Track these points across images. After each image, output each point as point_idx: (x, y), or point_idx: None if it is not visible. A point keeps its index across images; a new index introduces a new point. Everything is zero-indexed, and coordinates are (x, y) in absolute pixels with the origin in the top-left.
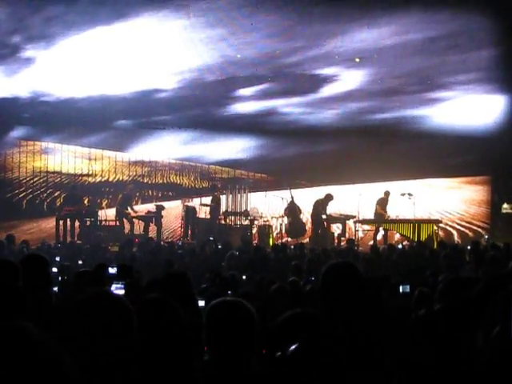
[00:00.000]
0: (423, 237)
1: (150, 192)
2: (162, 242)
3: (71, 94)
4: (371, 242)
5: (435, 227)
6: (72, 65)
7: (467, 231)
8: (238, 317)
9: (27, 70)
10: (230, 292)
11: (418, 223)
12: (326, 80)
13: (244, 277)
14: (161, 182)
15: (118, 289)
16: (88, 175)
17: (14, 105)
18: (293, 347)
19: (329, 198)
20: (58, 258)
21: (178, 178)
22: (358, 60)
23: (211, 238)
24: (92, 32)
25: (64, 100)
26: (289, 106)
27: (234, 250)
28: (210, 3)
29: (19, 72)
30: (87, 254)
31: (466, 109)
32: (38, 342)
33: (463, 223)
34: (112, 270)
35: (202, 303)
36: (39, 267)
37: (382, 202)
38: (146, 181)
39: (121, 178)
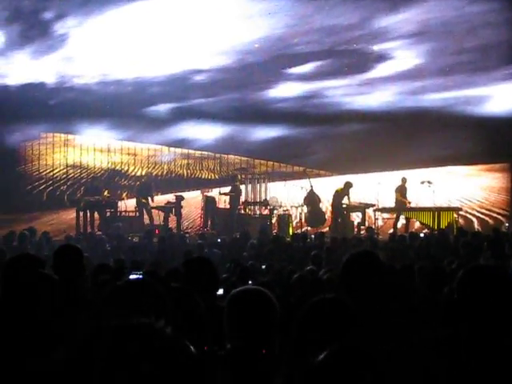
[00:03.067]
0: (443, 225)
1: (170, 183)
2: (182, 233)
3: (100, 78)
4: (391, 231)
5: (455, 215)
6: (104, 44)
7: (487, 219)
8: (259, 305)
9: (57, 52)
10: (250, 282)
11: (437, 211)
12: (378, 59)
13: (264, 266)
14: (180, 172)
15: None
16: (108, 167)
17: (40, 90)
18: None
19: (348, 185)
20: None
21: (197, 168)
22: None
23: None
24: (127, 8)
25: (92, 85)
26: (332, 89)
27: (253, 239)
28: None
29: (48, 54)
30: (109, 245)
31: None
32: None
33: (483, 211)
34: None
35: (221, 292)
36: (73, 258)
37: (401, 190)
38: (165, 171)
39: (140, 169)
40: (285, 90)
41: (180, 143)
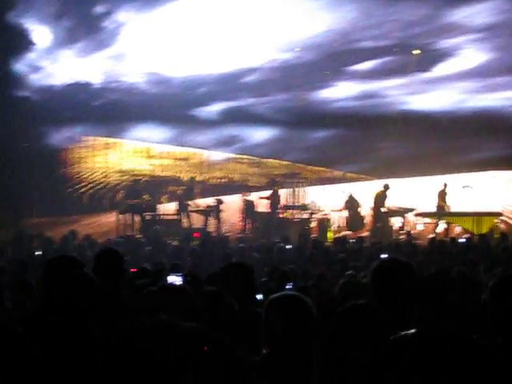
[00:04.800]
0: (484, 230)
1: (209, 186)
2: (222, 236)
3: (148, 78)
4: (431, 235)
5: (496, 220)
6: (154, 42)
7: None
8: (296, 311)
9: (105, 50)
10: (288, 286)
11: (478, 216)
12: (441, 56)
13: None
14: (219, 175)
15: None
16: (147, 170)
17: (85, 90)
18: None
19: (386, 188)
20: None
21: (236, 172)
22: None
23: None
24: (178, 4)
25: (138, 85)
26: (389, 89)
27: (282, 244)
28: None
29: (95, 52)
30: (148, 249)
31: None
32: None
33: None
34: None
35: (260, 297)
36: (114, 261)
37: (442, 194)
38: (205, 175)
39: (181, 173)
40: (338, 90)
41: (224, 145)
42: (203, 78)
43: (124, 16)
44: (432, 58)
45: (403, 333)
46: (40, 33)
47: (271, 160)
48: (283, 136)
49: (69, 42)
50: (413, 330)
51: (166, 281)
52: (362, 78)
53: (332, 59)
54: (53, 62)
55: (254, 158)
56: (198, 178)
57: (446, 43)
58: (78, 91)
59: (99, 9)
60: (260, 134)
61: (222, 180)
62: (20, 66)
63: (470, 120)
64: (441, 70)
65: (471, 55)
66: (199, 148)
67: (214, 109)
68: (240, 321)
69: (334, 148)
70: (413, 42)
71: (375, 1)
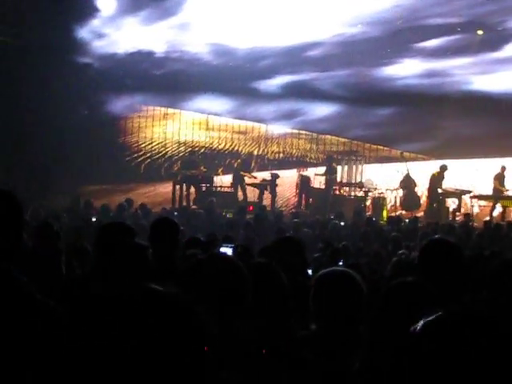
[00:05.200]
0: None
1: (266, 160)
2: (277, 210)
3: (211, 48)
4: (487, 218)
5: None
6: (219, 12)
7: None
8: (345, 287)
9: (169, 19)
10: (340, 263)
11: None
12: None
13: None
14: (277, 150)
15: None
16: (205, 142)
17: (147, 59)
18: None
19: (444, 169)
20: None
21: (293, 146)
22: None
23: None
24: None
25: (201, 55)
26: (455, 68)
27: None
28: None
29: (160, 21)
30: (202, 220)
31: None
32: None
33: None
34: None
35: (310, 272)
36: (170, 231)
37: (499, 178)
38: (262, 149)
39: (238, 146)
40: (401, 68)
41: (283, 119)
42: (266, 51)
43: None
44: (501, 37)
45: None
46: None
47: (329, 136)
48: (343, 112)
49: (133, 10)
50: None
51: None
52: (427, 56)
53: (397, 36)
54: (116, 30)
55: (313, 133)
56: (255, 152)
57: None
58: (140, 60)
59: None
60: (320, 110)
61: (280, 155)
62: (84, 33)
63: None
64: (509, 50)
65: None
66: (258, 122)
67: (275, 82)
68: (289, 294)
69: (393, 126)
70: (482, 21)
71: None
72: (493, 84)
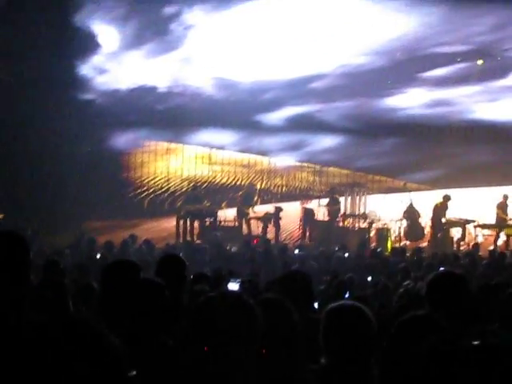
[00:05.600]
0: None
1: (269, 193)
2: (282, 244)
3: (215, 82)
4: (491, 247)
5: None
6: (222, 46)
7: None
8: (357, 321)
9: (172, 53)
10: (346, 295)
11: None
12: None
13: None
14: (280, 183)
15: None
16: (208, 176)
17: (150, 95)
18: None
19: (447, 198)
20: None
21: (296, 179)
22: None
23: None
24: (248, 8)
25: (205, 89)
26: (459, 97)
27: (340, 252)
28: None
29: (163, 55)
30: (208, 255)
31: None
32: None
33: None
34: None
35: (316, 305)
36: (176, 267)
37: (502, 206)
38: (265, 182)
39: (241, 180)
40: (406, 98)
41: (286, 152)
42: (269, 84)
43: (192, 18)
44: (506, 65)
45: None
46: (107, 35)
47: (332, 168)
48: (346, 144)
49: (135, 45)
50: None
51: (225, 287)
52: (430, 86)
53: (400, 66)
54: (118, 65)
55: (315, 165)
56: (258, 185)
57: None
58: (142, 95)
59: (167, 10)
60: (324, 142)
61: (283, 187)
62: (86, 69)
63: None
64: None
65: None
66: (261, 155)
67: (279, 115)
68: (299, 329)
69: (396, 157)
70: (486, 49)
71: (448, 7)
72: (495, 112)
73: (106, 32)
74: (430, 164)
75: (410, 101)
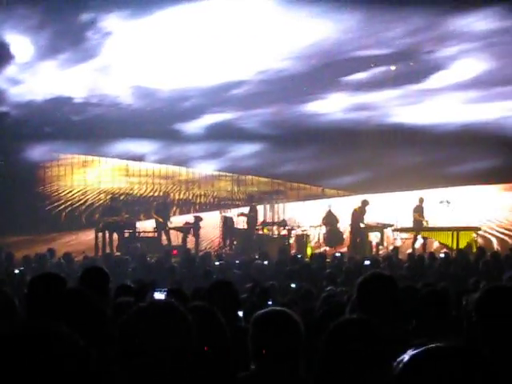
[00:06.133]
0: (462, 244)
1: (188, 203)
2: (200, 253)
3: (132, 91)
4: (409, 251)
5: (474, 234)
6: (138, 54)
7: (507, 238)
8: (286, 326)
9: (88, 62)
10: (269, 302)
11: (456, 231)
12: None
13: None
14: (198, 192)
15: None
16: (126, 188)
17: (66, 105)
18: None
19: (365, 203)
20: None
21: (215, 188)
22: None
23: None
24: (163, 15)
25: (121, 99)
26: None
27: (260, 260)
28: None
29: (78, 64)
30: (131, 266)
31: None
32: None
33: (503, 230)
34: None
35: (240, 313)
36: (100, 280)
37: (418, 210)
38: (183, 192)
39: (159, 190)
40: (326, 104)
41: (204, 161)
42: (189, 92)
43: (109, 25)
44: (424, 68)
45: (424, 348)
46: (20, 45)
47: (250, 177)
48: (266, 151)
49: (50, 54)
50: (433, 345)
51: (151, 297)
52: (349, 90)
53: (320, 71)
54: (33, 75)
55: (233, 174)
56: (177, 195)
57: (438, 53)
58: (58, 106)
59: (83, 17)
60: (244, 150)
61: (202, 197)
62: None
63: (450, 134)
64: (432, 81)
65: (464, 66)
66: (180, 165)
67: (198, 124)
68: (229, 337)
69: (315, 163)
70: (405, 53)
71: (369, 11)
72: (413, 116)
73: (19, 42)
74: (348, 169)
75: (330, 106)
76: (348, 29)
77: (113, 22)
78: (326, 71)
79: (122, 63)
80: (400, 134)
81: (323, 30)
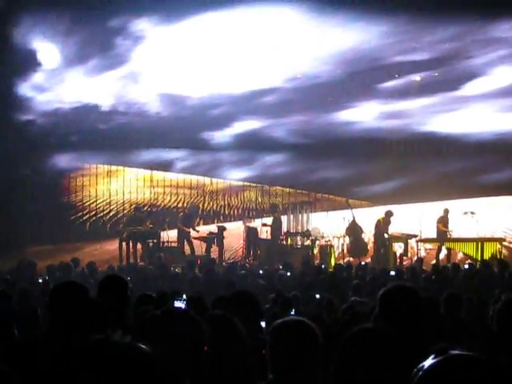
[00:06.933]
0: (486, 255)
1: (212, 213)
2: (224, 263)
3: (159, 99)
4: (433, 261)
5: (499, 246)
6: (167, 62)
7: None
8: (303, 337)
9: (115, 70)
10: (292, 312)
11: (481, 242)
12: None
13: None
14: (222, 203)
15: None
16: (150, 198)
17: (92, 113)
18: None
19: (389, 214)
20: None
21: (240, 198)
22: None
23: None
24: (193, 24)
25: (148, 107)
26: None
27: (283, 270)
28: None
29: (106, 72)
30: (153, 276)
31: None
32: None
33: None
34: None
35: (263, 323)
36: (119, 288)
37: (443, 220)
38: (208, 202)
39: (183, 200)
40: (355, 113)
41: (229, 171)
42: (217, 100)
43: (138, 31)
44: (460, 75)
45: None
46: (47, 52)
47: (275, 187)
48: (291, 161)
49: (78, 61)
50: (453, 353)
51: (171, 305)
52: (378, 99)
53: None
54: (60, 83)
55: (257, 185)
56: (201, 205)
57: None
58: (85, 114)
59: (112, 23)
60: (269, 160)
61: (226, 207)
62: (25, 88)
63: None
64: (468, 88)
65: (501, 73)
66: (205, 175)
67: (226, 133)
68: (249, 346)
69: (340, 173)
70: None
71: (401, 19)
72: (446, 125)
73: (46, 49)
74: (374, 179)
75: (361, 114)
76: (384, 35)
77: (142, 29)
78: (358, 78)
79: (150, 70)
80: (430, 142)
81: (355, 36)
